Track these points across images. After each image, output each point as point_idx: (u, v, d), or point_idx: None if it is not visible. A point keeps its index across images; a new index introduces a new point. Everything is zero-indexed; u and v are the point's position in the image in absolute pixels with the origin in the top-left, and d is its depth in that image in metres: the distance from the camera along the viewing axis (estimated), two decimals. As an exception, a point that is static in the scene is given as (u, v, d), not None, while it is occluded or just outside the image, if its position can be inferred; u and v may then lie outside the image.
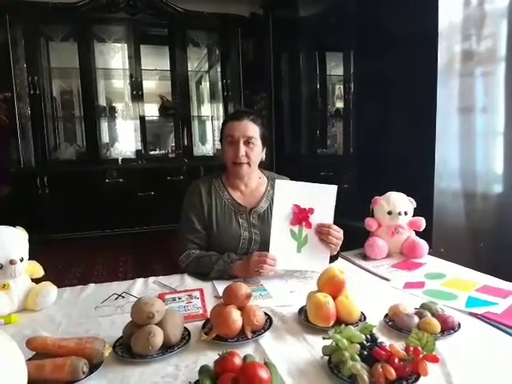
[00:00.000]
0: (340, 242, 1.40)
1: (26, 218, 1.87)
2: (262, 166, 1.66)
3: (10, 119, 3.52)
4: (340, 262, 1.54)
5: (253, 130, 1.53)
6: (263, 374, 0.70)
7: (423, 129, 2.05)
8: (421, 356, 0.77)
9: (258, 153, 1.56)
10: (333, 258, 1.47)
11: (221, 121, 4.04)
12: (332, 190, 1.38)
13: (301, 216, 1.37)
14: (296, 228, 1.38)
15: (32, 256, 1.23)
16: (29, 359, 0.82)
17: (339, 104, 3.87)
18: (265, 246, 1.52)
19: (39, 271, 1.24)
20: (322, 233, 1.37)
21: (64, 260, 3.12)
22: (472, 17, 2.06)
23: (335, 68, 3.80)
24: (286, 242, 1.38)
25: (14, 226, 1.20)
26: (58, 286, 1.26)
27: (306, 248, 1.39)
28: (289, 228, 1.38)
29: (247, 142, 1.52)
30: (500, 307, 1.08)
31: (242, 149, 1.50)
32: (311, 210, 1.38)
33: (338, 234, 1.39)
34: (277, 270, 1.40)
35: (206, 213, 1.54)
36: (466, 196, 2.13)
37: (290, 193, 1.37)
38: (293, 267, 1.41)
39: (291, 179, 1.50)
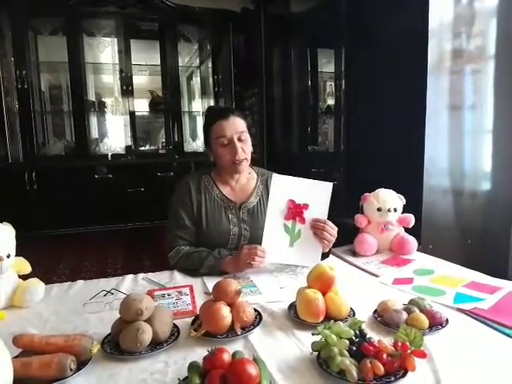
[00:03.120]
0: (333, 239, 1.41)
1: (13, 214, 1.83)
2: (252, 161, 1.66)
3: (-3, 113, 3.47)
4: (330, 259, 1.55)
5: (241, 124, 1.53)
6: (252, 370, 0.70)
7: (413, 126, 2.06)
8: (409, 351, 0.78)
9: (250, 146, 1.56)
10: (324, 256, 1.47)
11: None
12: (328, 187, 1.38)
13: (295, 211, 1.38)
14: (290, 223, 1.39)
15: (20, 252, 1.21)
16: (15, 356, 0.81)
17: (330, 101, 3.87)
18: (254, 241, 1.51)
19: (26, 268, 1.23)
20: (316, 228, 1.37)
21: (52, 256, 3.09)
22: (462, 15, 2.08)
23: (327, 65, 3.80)
24: (279, 235, 1.38)
25: (1, 221, 1.18)
26: (47, 283, 1.25)
27: (298, 243, 1.39)
28: (283, 222, 1.38)
29: (240, 138, 1.51)
30: (487, 303, 1.09)
31: (239, 146, 1.49)
32: (306, 206, 1.38)
33: (332, 230, 1.39)
34: (267, 266, 1.40)
35: (196, 208, 1.53)
36: (454, 193, 2.15)
37: (285, 188, 1.38)
38: (284, 261, 1.41)
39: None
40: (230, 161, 1.50)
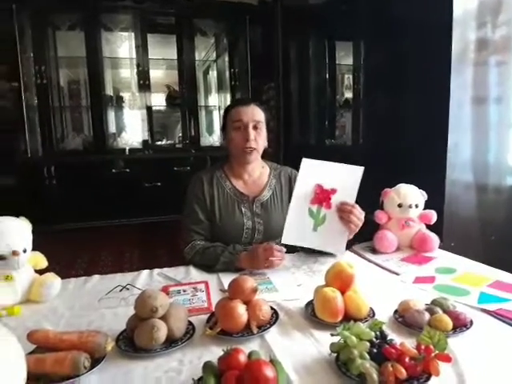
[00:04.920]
0: (360, 224, 1.36)
1: (32, 209, 1.85)
2: (267, 155, 1.64)
3: (17, 109, 3.50)
4: (348, 256, 1.51)
5: (260, 114, 1.52)
6: (269, 372, 0.68)
7: (436, 119, 2.00)
8: (432, 355, 0.75)
9: (264, 139, 1.56)
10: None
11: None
12: (359, 171, 1.34)
13: (322, 196, 1.35)
14: (315, 207, 1.36)
15: (38, 247, 1.22)
16: (30, 352, 0.81)
17: (348, 94, 3.81)
18: (268, 235, 1.50)
19: (43, 262, 1.23)
20: (344, 211, 1.33)
21: (70, 251, 3.12)
22: (487, 3, 2.00)
23: (345, 57, 3.74)
24: (303, 219, 1.35)
25: (18, 216, 1.18)
26: (64, 277, 1.25)
27: (322, 228, 1.35)
28: (308, 206, 1.36)
29: (255, 127, 1.50)
30: (514, 304, 1.05)
31: (252, 133, 1.49)
32: (334, 191, 1.34)
33: (360, 215, 1.35)
34: (284, 263, 1.37)
35: (209, 203, 1.53)
36: (477, 188, 2.09)
37: (314, 172, 1.35)
38: (307, 245, 1.39)
39: (298, 170, 1.47)
40: (241, 147, 1.50)
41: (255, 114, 1.51)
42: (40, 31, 3.61)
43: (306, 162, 1.36)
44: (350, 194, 1.35)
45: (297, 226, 1.35)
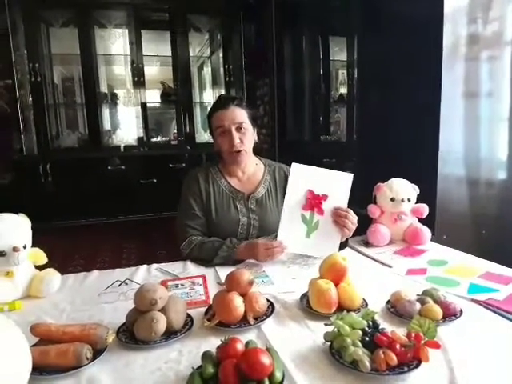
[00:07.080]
0: (354, 228, 1.40)
1: (29, 206, 1.85)
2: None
3: (12, 107, 3.50)
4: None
5: (241, 115, 1.53)
6: (265, 359, 0.71)
7: (428, 114, 2.03)
8: (422, 342, 0.77)
9: (251, 137, 1.57)
10: (342, 247, 1.47)
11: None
12: (348, 178, 1.37)
13: (313, 202, 1.37)
14: (307, 213, 1.38)
15: (36, 243, 1.23)
16: (33, 345, 0.83)
17: (343, 90, 3.84)
18: (263, 231, 1.52)
19: (42, 258, 1.25)
20: (339, 215, 1.36)
21: (68, 247, 3.13)
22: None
23: (339, 53, 3.76)
24: (296, 225, 1.37)
25: (17, 213, 1.20)
26: (62, 273, 1.26)
27: (315, 234, 1.38)
28: (300, 212, 1.38)
29: (239, 128, 1.51)
30: (502, 294, 1.08)
31: (236, 136, 1.50)
32: (325, 197, 1.37)
33: (354, 219, 1.38)
34: (280, 257, 1.40)
35: (205, 199, 1.55)
36: (469, 182, 2.12)
37: (305, 177, 1.37)
38: (300, 252, 1.41)
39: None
40: (228, 151, 1.53)
41: (236, 116, 1.51)
42: (33, 28, 3.59)
43: (296, 167, 1.38)
44: (340, 201, 1.37)
45: (290, 234, 1.37)
